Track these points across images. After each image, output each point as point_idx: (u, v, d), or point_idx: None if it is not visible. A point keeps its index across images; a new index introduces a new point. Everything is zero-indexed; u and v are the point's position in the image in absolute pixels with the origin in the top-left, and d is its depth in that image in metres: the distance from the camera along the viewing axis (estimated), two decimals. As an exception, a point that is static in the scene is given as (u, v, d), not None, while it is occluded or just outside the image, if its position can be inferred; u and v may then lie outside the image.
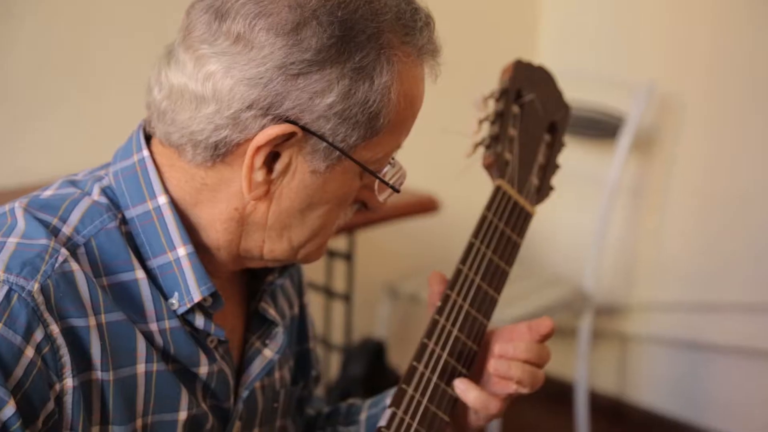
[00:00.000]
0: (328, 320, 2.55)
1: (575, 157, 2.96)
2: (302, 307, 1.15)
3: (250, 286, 1.04)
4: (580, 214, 3.01)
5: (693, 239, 2.91)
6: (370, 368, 2.25)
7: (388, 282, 2.76)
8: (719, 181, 2.82)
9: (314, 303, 2.56)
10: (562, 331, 3.13)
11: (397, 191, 0.95)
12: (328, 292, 2.50)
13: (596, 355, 3.09)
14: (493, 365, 1.02)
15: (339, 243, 2.45)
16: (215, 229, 0.92)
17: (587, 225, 2.88)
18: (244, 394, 0.99)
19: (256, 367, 1.00)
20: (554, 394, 3.17)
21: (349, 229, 2.25)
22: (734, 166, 2.79)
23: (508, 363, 1.02)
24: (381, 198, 0.95)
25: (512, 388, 1.02)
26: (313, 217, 0.92)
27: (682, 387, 3.00)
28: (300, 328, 1.15)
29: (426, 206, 2.26)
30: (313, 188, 0.90)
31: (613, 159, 2.78)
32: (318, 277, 2.51)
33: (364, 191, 0.95)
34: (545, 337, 1.05)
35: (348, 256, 2.40)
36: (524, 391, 1.02)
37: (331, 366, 2.59)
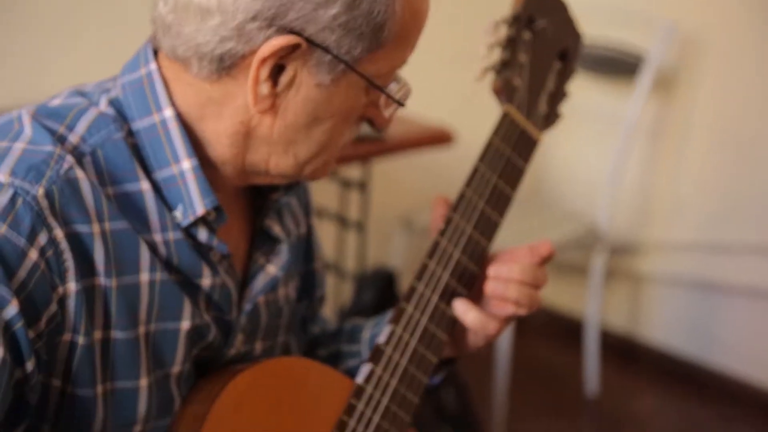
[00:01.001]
0: (341, 249, 2.58)
1: (594, 95, 2.94)
2: (309, 228, 1.16)
3: (255, 204, 1.05)
4: (597, 152, 3.00)
5: (709, 179, 2.89)
6: (382, 297, 2.28)
7: (402, 214, 2.78)
8: (738, 123, 2.80)
9: (328, 231, 2.58)
10: (575, 268, 3.14)
11: (402, 105, 0.95)
12: (342, 221, 2.52)
13: (609, 294, 3.11)
14: (489, 286, 1.03)
15: (353, 172, 2.46)
16: (221, 144, 0.93)
17: (604, 163, 2.87)
18: (247, 307, 1.01)
19: (260, 282, 1.02)
20: (565, 331, 3.20)
21: (364, 159, 2.25)
22: (754, 108, 2.76)
23: (506, 284, 1.03)
24: (386, 114, 0.95)
25: (510, 309, 1.04)
26: (319, 133, 0.93)
27: (694, 327, 3.02)
28: (306, 248, 1.16)
29: (440, 138, 2.26)
30: (318, 102, 0.90)
31: (632, 98, 2.75)
32: (332, 205, 2.53)
33: (369, 108, 0.95)
34: (545, 260, 1.05)
35: (362, 186, 2.41)
36: (522, 312, 1.04)
37: (343, 294, 2.62)
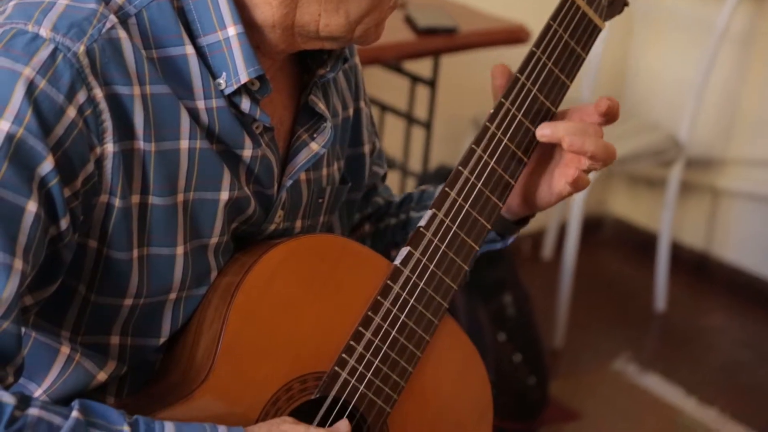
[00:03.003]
0: (407, 147, 2.55)
1: (684, 1, 2.82)
2: (358, 111, 1.14)
3: (301, 80, 1.04)
4: (684, 60, 2.88)
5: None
6: (444, 195, 2.26)
7: (473, 115, 2.73)
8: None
9: (396, 128, 2.56)
10: (651, 180, 3.07)
11: None
12: (410, 119, 2.49)
13: (685, 208, 3.03)
14: (567, 140, 1.00)
15: (423, 68, 2.41)
16: (269, 4, 0.91)
17: (690, 71, 2.76)
18: (288, 183, 1.00)
19: (302, 158, 1.01)
20: (637, 245, 3.15)
21: (435, 54, 2.20)
22: None
23: (582, 138, 0.99)
24: None
25: (585, 164, 1.00)
26: None
27: (770, 246, 2.94)
28: (354, 131, 1.14)
29: (516, 35, 2.19)
30: None
31: (725, 4, 2.63)
32: (401, 103, 2.49)
33: None
34: (605, 114, 1.02)
35: (431, 83, 2.37)
36: (597, 166, 1.01)
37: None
